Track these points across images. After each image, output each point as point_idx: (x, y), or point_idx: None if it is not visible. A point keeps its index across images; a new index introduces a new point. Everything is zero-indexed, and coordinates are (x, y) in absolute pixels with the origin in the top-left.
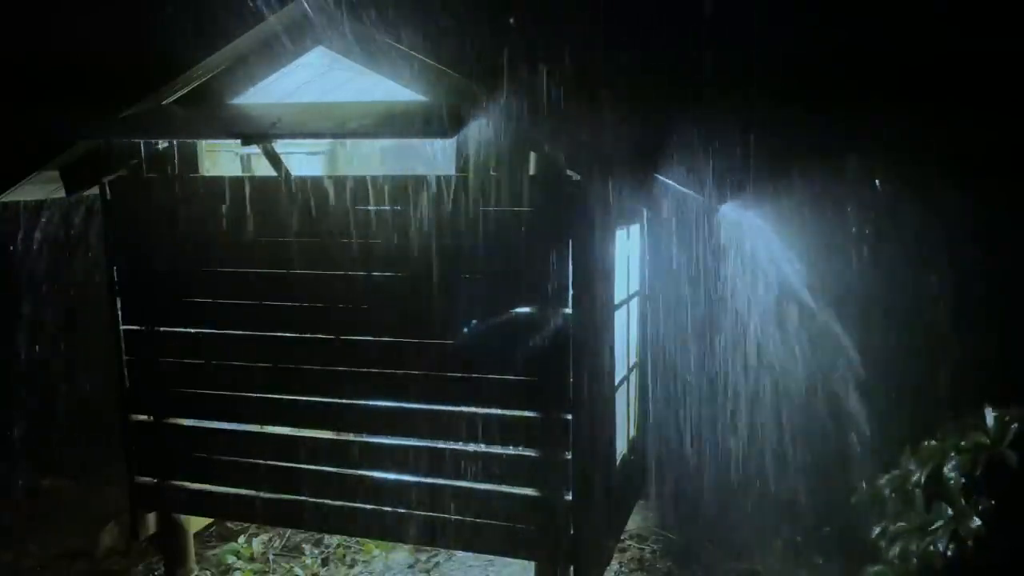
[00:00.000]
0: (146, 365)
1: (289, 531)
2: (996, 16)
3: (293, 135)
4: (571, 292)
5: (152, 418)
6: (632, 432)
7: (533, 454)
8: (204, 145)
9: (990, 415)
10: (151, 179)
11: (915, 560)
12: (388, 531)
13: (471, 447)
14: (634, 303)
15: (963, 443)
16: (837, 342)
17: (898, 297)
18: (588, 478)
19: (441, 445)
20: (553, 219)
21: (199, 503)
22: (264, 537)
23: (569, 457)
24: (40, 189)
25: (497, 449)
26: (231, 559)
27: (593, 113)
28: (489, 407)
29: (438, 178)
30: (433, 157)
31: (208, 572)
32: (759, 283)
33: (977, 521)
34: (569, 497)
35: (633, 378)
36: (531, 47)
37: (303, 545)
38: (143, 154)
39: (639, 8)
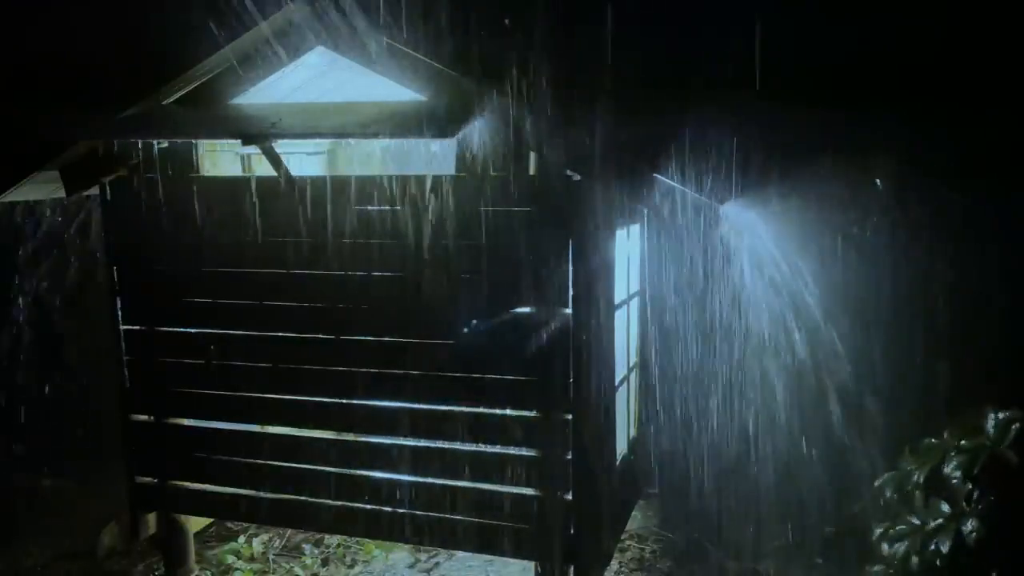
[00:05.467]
0: (146, 365)
1: (289, 531)
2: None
3: (293, 135)
4: (571, 292)
5: (152, 418)
6: (632, 432)
7: (533, 454)
8: (204, 145)
9: (990, 415)
10: (151, 179)
11: (915, 560)
12: (388, 531)
13: (471, 447)
14: (634, 303)
15: (963, 443)
16: (837, 342)
17: (898, 297)
18: (588, 478)
19: (441, 445)
20: (553, 219)
21: (199, 503)
22: (264, 537)
23: (569, 457)
24: (40, 189)
25: (497, 449)
26: (231, 559)
27: (593, 113)
28: (489, 407)
29: (438, 178)
30: (433, 157)
31: (208, 572)
32: (759, 283)
33: (977, 522)
34: (569, 497)
35: (633, 378)
36: (531, 46)
37: (303, 545)
38: (143, 154)
39: (640, 7)
